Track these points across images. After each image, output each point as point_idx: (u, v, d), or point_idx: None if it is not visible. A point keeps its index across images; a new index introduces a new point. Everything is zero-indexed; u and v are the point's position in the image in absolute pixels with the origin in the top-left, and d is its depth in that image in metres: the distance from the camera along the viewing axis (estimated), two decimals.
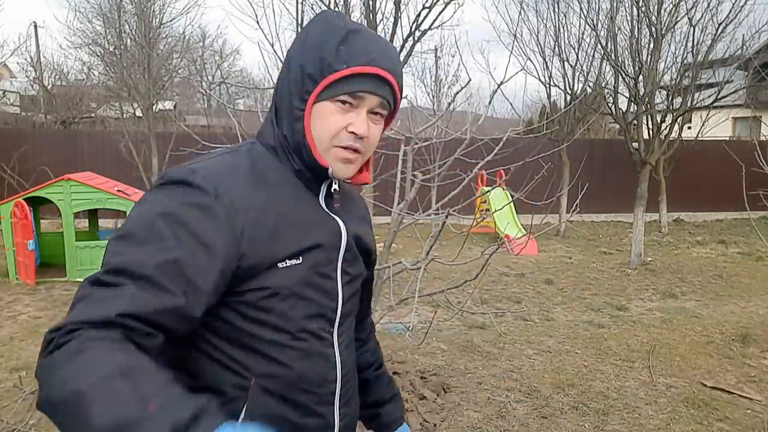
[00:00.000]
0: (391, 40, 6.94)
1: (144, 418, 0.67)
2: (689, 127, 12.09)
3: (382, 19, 6.98)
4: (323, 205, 1.03)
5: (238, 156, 0.98)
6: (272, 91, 1.05)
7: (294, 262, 0.95)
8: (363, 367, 1.29)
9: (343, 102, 0.95)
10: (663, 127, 8.42)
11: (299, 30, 6.72)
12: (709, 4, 7.73)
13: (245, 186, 0.93)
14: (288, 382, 0.97)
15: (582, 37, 10.25)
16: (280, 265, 0.93)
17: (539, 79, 11.04)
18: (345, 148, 0.97)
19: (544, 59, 10.82)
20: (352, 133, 0.96)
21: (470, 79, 3.58)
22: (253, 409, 0.95)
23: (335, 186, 1.05)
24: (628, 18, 8.31)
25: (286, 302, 0.95)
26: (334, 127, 0.96)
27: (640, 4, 7.71)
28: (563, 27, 10.54)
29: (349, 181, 1.05)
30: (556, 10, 10.51)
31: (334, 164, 0.98)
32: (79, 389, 0.69)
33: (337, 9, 6.66)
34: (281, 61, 6.25)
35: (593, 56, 10.31)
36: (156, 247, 0.83)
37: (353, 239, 1.07)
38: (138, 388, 0.70)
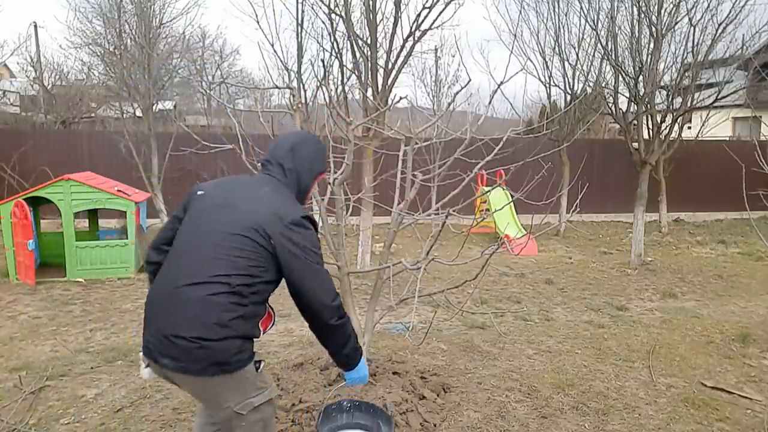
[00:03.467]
0: (391, 40, 6.94)
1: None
2: (689, 127, 12.10)
3: (382, 19, 6.97)
4: None
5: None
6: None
7: None
8: None
9: None
10: (663, 127, 8.42)
11: (299, 31, 6.75)
12: (709, 4, 7.74)
13: None
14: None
15: (582, 37, 10.26)
16: None
17: (539, 79, 11.04)
18: None
19: (544, 59, 10.82)
20: None
21: (470, 79, 3.57)
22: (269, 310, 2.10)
23: None
24: (628, 18, 8.31)
25: None
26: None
27: (640, 4, 7.71)
28: (563, 26, 10.55)
29: None
30: (557, 9, 10.52)
31: None
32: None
33: (337, 9, 6.65)
34: (281, 61, 6.23)
35: (593, 56, 10.33)
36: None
37: None
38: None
